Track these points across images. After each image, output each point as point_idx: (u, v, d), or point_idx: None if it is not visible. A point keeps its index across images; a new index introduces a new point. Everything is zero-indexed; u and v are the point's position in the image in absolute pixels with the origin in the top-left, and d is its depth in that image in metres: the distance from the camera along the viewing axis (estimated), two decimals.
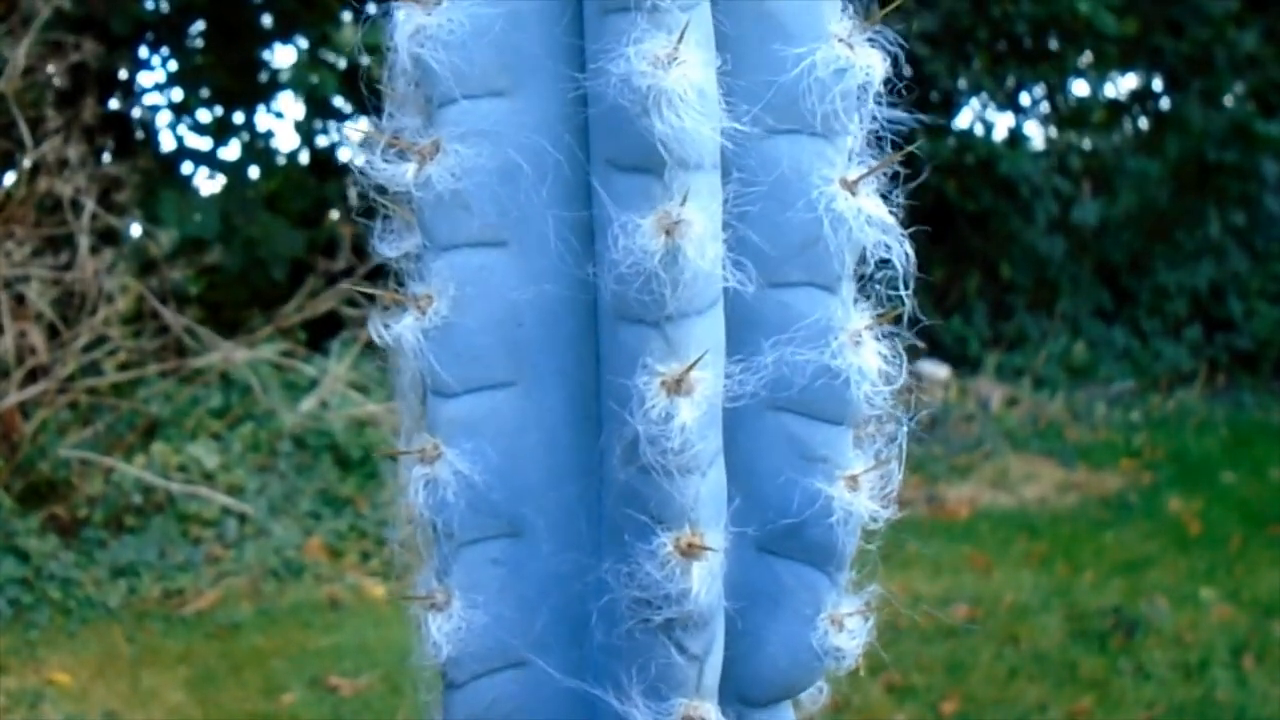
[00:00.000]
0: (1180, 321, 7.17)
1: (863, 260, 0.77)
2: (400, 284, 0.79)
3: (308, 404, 4.37)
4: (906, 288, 0.76)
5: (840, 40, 0.76)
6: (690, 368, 0.71)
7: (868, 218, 0.76)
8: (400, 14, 0.76)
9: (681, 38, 0.70)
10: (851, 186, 0.76)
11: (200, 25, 6.56)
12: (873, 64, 0.76)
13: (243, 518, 4.03)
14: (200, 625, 3.62)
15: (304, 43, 6.51)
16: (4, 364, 3.93)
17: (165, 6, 6.08)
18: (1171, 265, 7.29)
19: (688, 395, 0.71)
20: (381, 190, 0.78)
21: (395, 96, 0.78)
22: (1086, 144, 7.99)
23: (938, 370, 6.18)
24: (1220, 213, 7.31)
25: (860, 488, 0.77)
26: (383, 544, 4.09)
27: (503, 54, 0.75)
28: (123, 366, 4.27)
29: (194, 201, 5.57)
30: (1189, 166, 7.40)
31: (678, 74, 0.69)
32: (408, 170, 0.75)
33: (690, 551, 0.72)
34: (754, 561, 0.79)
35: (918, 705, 3.01)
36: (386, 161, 0.76)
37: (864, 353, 0.76)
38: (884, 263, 0.78)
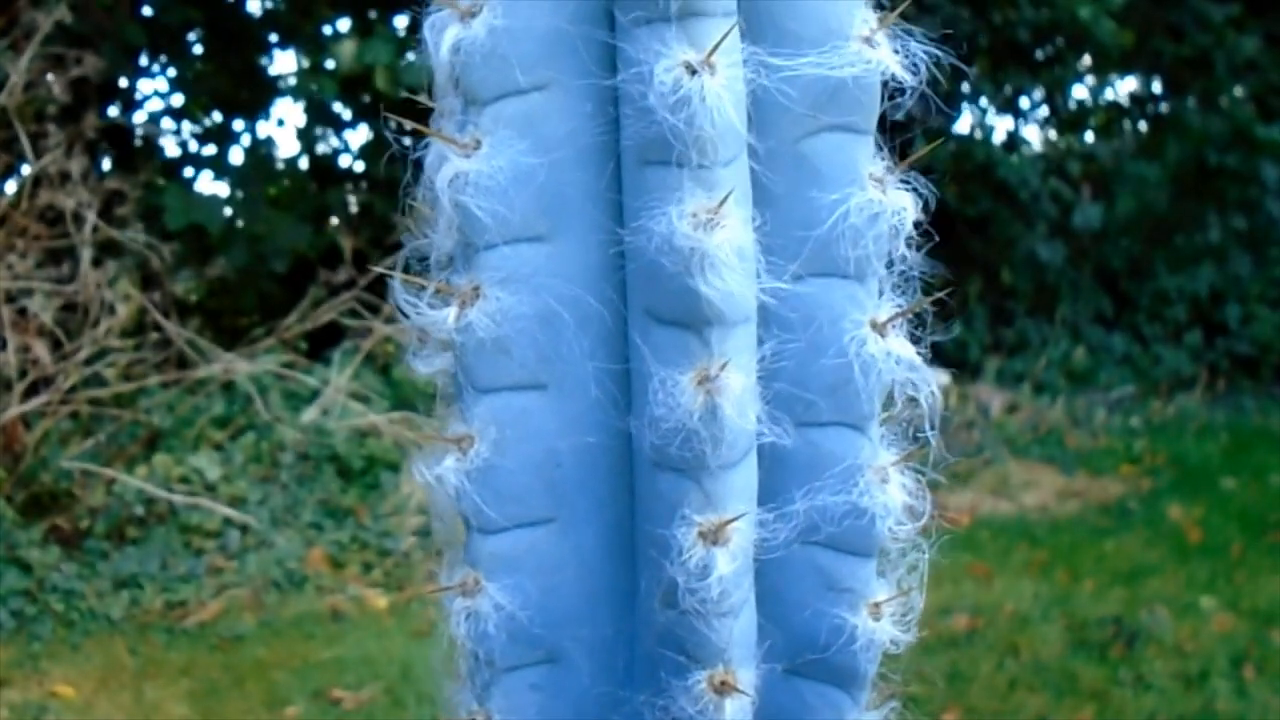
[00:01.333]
0: (1180, 327, 7.17)
1: (890, 399, 0.79)
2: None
3: (309, 415, 4.38)
4: (933, 427, 0.78)
5: (874, 182, 0.77)
6: (728, 522, 0.73)
7: (896, 359, 0.78)
8: (433, 152, 0.77)
9: (724, 201, 0.71)
10: (882, 328, 0.78)
11: (201, 31, 6.58)
12: (905, 206, 0.77)
13: (245, 529, 4.04)
14: (203, 637, 3.63)
15: (303, 49, 6.53)
16: (6, 376, 3.94)
17: (165, 16, 6.09)
18: (1171, 270, 7.29)
19: (724, 546, 0.73)
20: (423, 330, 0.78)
21: (436, 231, 0.78)
22: (1086, 147, 7.99)
23: (938, 376, 6.18)
24: (1220, 217, 7.32)
25: (883, 615, 0.81)
26: (384, 555, 4.09)
27: (543, 202, 0.76)
28: (125, 378, 4.28)
29: (197, 197, 5.59)
30: (1189, 171, 7.40)
31: (720, 237, 0.70)
32: (449, 315, 0.77)
33: (724, 689, 0.75)
34: (780, 683, 0.82)
35: (918, 717, 3.01)
36: (430, 306, 0.77)
37: (890, 489, 0.79)
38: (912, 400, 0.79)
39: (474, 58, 0.75)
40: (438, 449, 0.78)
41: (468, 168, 0.75)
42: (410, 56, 5.62)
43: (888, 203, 0.77)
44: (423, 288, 0.78)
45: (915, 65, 0.79)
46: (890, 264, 0.78)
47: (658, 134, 0.71)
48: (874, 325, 0.78)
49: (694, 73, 0.70)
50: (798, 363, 0.77)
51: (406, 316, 0.78)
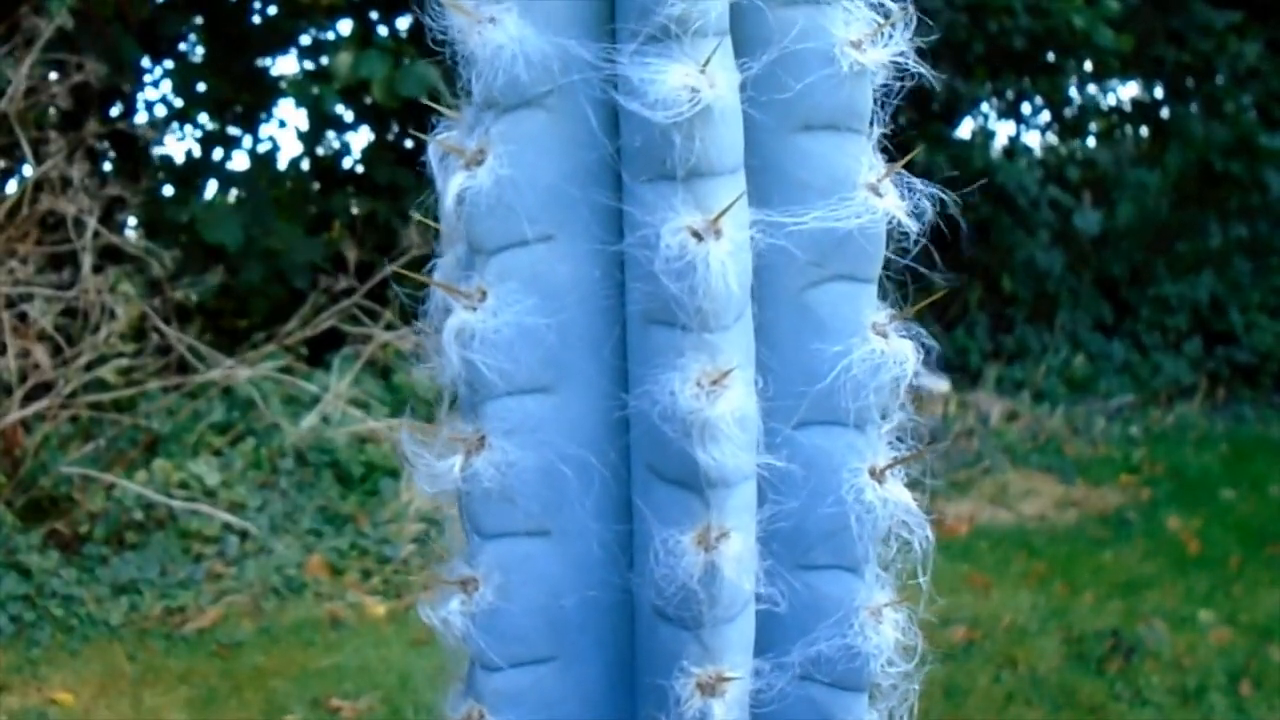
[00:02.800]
0: (1180, 335, 7.17)
1: (886, 541, 0.80)
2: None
3: (309, 421, 4.38)
4: (925, 571, 0.79)
5: (877, 333, 0.78)
6: (724, 678, 0.75)
7: (893, 505, 0.78)
8: (437, 299, 0.77)
9: (727, 374, 0.71)
10: (880, 476, 0.79)
11: (201, 35, 6.58)
12: (907, 356, 0.78)
13: (244, 535, 4.04)
14: (201, 644, 3.63)
15: (303, 51, 6.53)
16: (6, 381, 3.94)
17: (165, 23, 6.09)
18: (1172, 278, 7.30)
19: (721, 697, 0.74)
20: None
21: (442, 374, 0.78)
22: (1087, 153, 7.99)
23: (938, 384, 6.19)
24: (1221, 225, 7.32)
25: None
26: (383, 562, 4.10)
27: (549, 355, 0.77)
28: (125, 381, 4.28)
29: (217, 210, 5.59)
30: (1190, 178, 7.41)
31: (723, 407, 0.71)
32: (455, 464, 0.77)
33: None
34: None
35: None
36: (438, 457, 0.77)
37: (884, 629, 0.80)
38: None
39: (479, 207, 0.75)
40: (444, 591, 0.79)
41: (473, 322, 0.75)
42: (407, 63, 5.64)
43: (890, 352, 0.78)
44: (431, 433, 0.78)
45: (920, 209, 0.79)
46: (886, 414, 0.79)
47: (663, 298, 0.71)
48: (872, 473, 0.79)
49: (699, 238, 0.70)
50: (798, 512, 0.78)
51: (413, 465, 0.78)
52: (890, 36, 0.79)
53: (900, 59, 0.79)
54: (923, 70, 0.81)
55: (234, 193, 6.30)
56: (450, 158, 0.77)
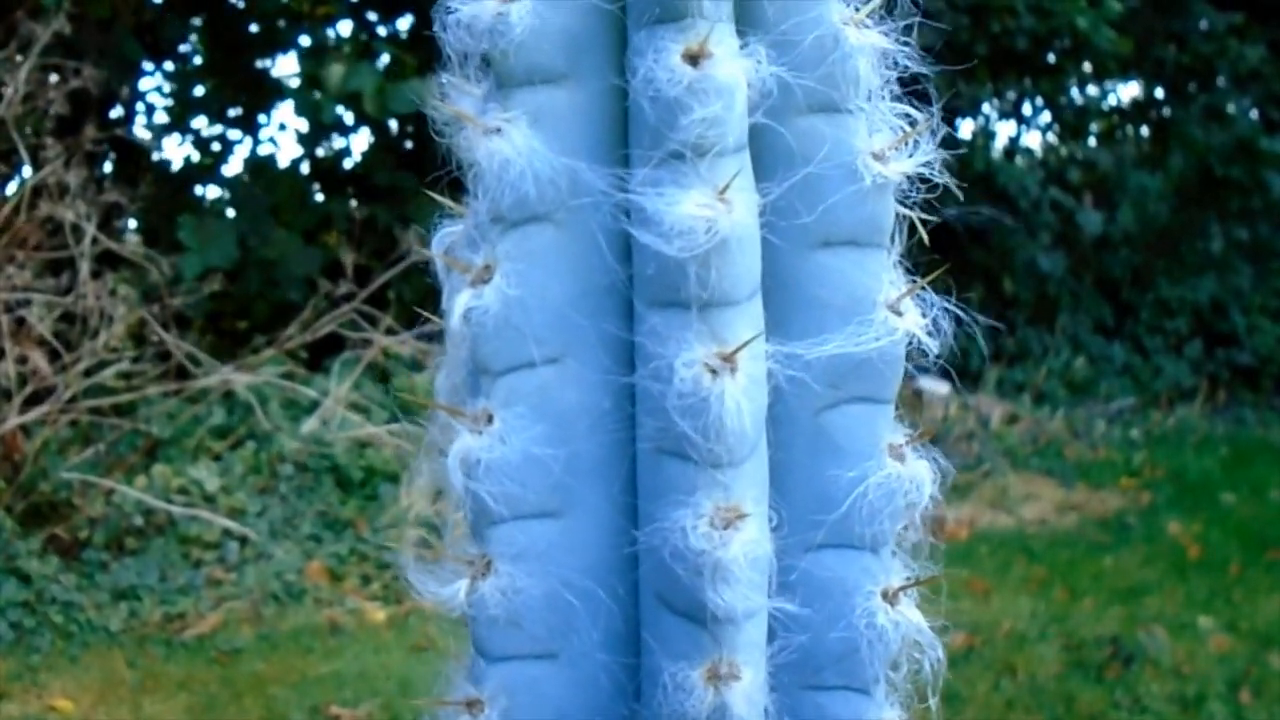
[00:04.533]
0: (1181, 337, 7.17)
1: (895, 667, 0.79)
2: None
3: (308, 426, 4.38)
4: (934, 694, 0.78)
5: (893, 455, 0.76)
6: None
7: (905, 627, 0.78)
8: (440, 422, 0.75)
9: (740, 514, 0.70)
10: (893, 598, 0.78)
11: (200, 39, 6.58)
12: (923, 478, 0.77)
13: (244, 540, 4.04)
14: (201, 650, 3.63)
15: (302, 54, 6.53)
16: (5, 387, 3.94)
17: (164, 26, 6.08)
18: (1173, 280, 7.29)
19: None
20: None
21: (448, 502, 0.77)
22: (1088, 154, 7.99)
23: (938, 387, 6.19)
24: (1222, 228, 7.32)
25: None
26: (383, 568, 4.10)
27: (557, 487, 0.75)
28: (124, 382, 4.28)
29: (211, 227, 5.59)
30: (1191, 182, 7.40)
31: (735, 549, 0.69)
32: (461, 589, 0.76)
33: None
34: None
35: None
36: (441, 583, 0.76)
37: None
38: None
39: (486, 328, 0.73)
40: (449, 712, 0.78)
41: (479, 449, 0.73)
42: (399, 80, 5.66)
43: (905, 475, 0.76)
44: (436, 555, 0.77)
45: (938, 328, 0.77)
46: (901, 535, 0.77)
47: (675, 434, 0.69)
48: (885, 595, 0.77)
49: (714, 374, 0.68)
50: (809, 638, 0.77)
51: (419, 593, 0.77)
52: (916, 145, 0.77)
53: (926, 169, 0.77)
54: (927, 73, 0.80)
55: (229, 202, 6.29)
56: (456, 272, 0.75)
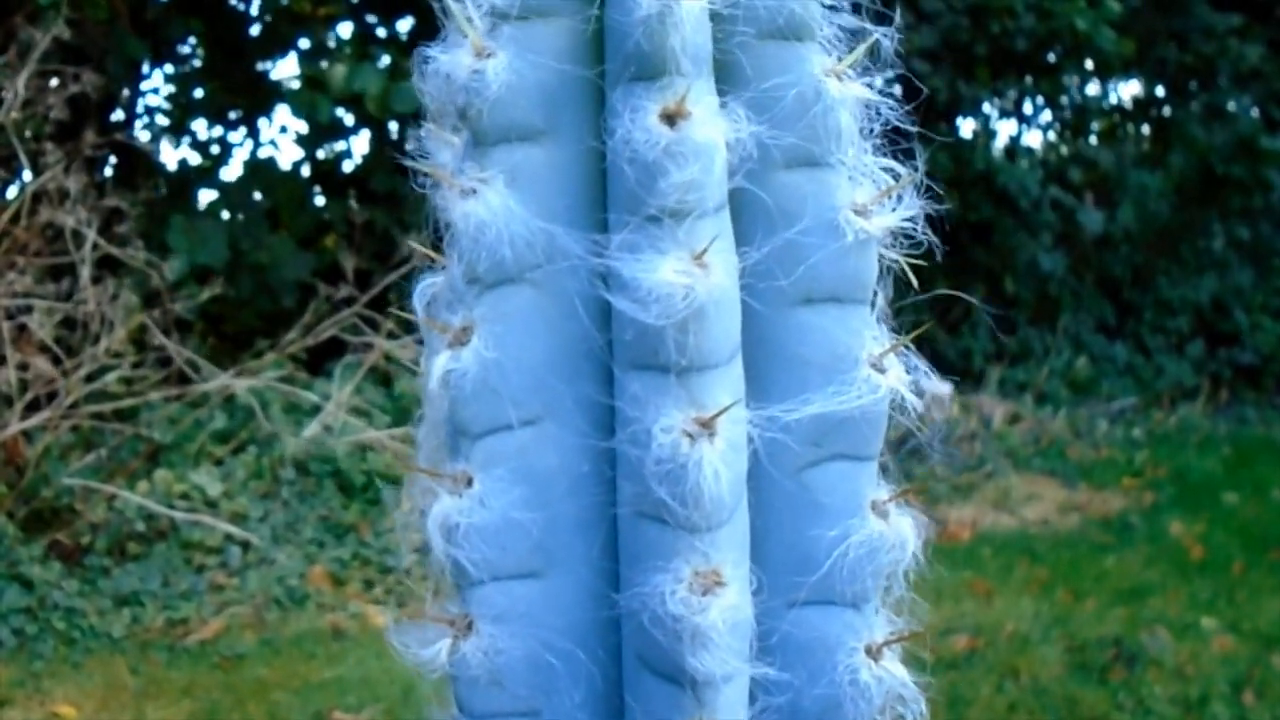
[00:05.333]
0: (1183, 337, 7.16)
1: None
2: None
3: (310, 430, 4.38)
4: None
5: (876, 512, 0.75)
6: None
7: (889, 681, 0.76)
8: (420, 483, 0.75)
9: (719, 578, 0.69)
10: (876, 654, 0.76)
11: (200, 41, 6.58)
12: (906, 536, 0.75)
13: (246, 545, 4.04)
14: (204, 656, 3.63)
15: (302, 55, 6.53)
16: (7, 393, 3.94)
17: (165, 28, 6.09)
18: (1174, 279, 7.29)
19: None
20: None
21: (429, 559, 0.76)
22: (1089, 152, 7.98)
23: (940, 387, 6.18)
24: (1224, 227, 7.31)
25: None
26: (385, 572, 4.10)
27: (537, 548, 0.74)
28: (125, 385, 4.28)
29: (202, 229, 5.60)
30: (1192, 181, 7.40)
31: (714, 614, 0.69)
32: (442, 649, 0.75)
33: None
34: None
35: None
36: (422, 644, 0.76)
37: None
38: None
39: (464, 390, 0.72)
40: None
41: (458, 512, 0.73)
42: (403, 80, 5.65)
43: (889, 533, 0.75)
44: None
45: (919, 386, 0.76)
46: (885, 591, 0.77)
47: (653, 499, 0.68)
48: (869, 651, 0.76)
49: (692, 439, 0.67)
50: (792, 696, 0.76)
51: (402, 655, 0.76)
52: (899, 200, 0.75)
53: (909, 224, 0.75)
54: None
55: (226, 204, 6.29)
56: (434, 332, 0.74)
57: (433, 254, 0.77)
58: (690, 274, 0.67)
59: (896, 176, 0.76)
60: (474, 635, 0.75)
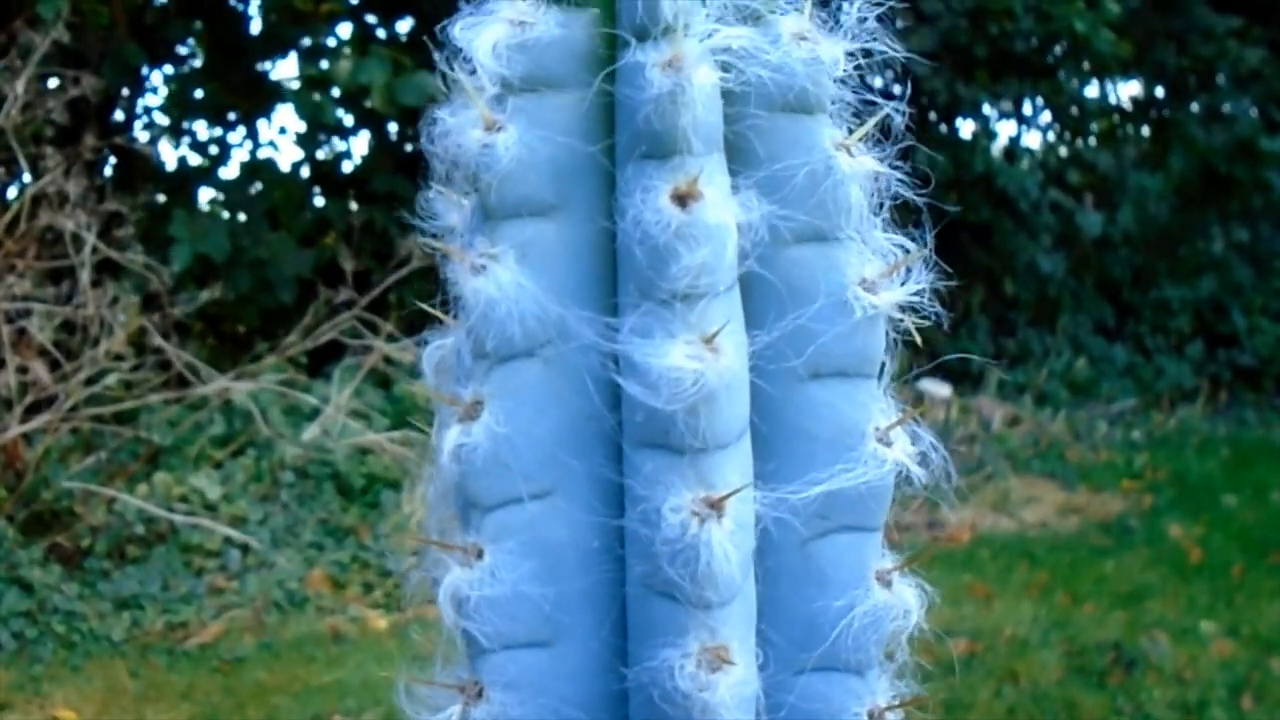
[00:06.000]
0: (1183, 338, 7.17)
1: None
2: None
3: (310, 433, 4.38)
4: None
5: (880, 581, 0.75)
6: None
7: None
8: (431, 555, 0.75)
9: (727, 655, 0.70)
10: (879, 716, 0.77)
11: (200, 42, 6.58)
12: (910, 606, 0.76)
13: (245, 548, 4.04)
14: (203, 659, 3.63)
15: (303, 56, 6.53)
16: (6, 397, 3.94)
17: (165, 29, 6.09)
18: (1174, 281, 7.29)
19: None
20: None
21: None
22: (1088, 154, 7.99)
23: (939, 389, 6.19)
24: (1223, 228, 7.32)
25: None
26: (385, 575, 4.10)
27: (547, 620, 0.75)
28: (125, 389, 4.28)
29: (204, 223, 5.60)
30: (1191, 182, 7.40)
31: (722, 691, 0.69)
32: (453, 714, 0.76)
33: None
34: None
35: None
36: (432, 710, 0.76)
37: None
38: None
39: (475, 465, 0.73)
40: None
41: (468, 585, 0.73)
42: (408, 72, 5.65)
43: (893, 602, 0.75)
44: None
45: (927, 457, 0.76)
46: (889, 657, 0.77)
47: (663, 576, 0.69)
48: (872, 715, 0.77)
49: (701, 520, 0.68)
50: None
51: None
52: (908, 274, 0.75)
53: (917, 299, 0.75)
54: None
55: (226, 204, 6.30)
56: (445, 407, 0.74)
57: (440, 315, 0.77)
58: (701, 358, 0.67)
59: (906, 250, 0.76)
60: (484, 702, 0.75)
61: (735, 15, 0.72)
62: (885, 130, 0.76)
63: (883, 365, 0.76)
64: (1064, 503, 5.17)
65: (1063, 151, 8.00)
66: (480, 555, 0.73)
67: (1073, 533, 4.79)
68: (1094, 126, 8.15)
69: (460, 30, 0.73)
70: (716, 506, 0.68)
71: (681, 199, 0.67)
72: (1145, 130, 8.22)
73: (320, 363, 4.94)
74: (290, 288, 5.47)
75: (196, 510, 4.08)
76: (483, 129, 0.71)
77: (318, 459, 4.34)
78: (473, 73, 0.72)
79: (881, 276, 0.75)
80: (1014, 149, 7.76)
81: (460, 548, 0.74)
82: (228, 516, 4.11)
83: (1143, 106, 8.17)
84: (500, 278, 0.71)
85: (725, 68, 0.70)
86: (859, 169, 0.74)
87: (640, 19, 0.69)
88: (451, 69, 0.72)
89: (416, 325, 0.79)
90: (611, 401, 0.73)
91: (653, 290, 0.68)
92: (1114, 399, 6.68)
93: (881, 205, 0.76)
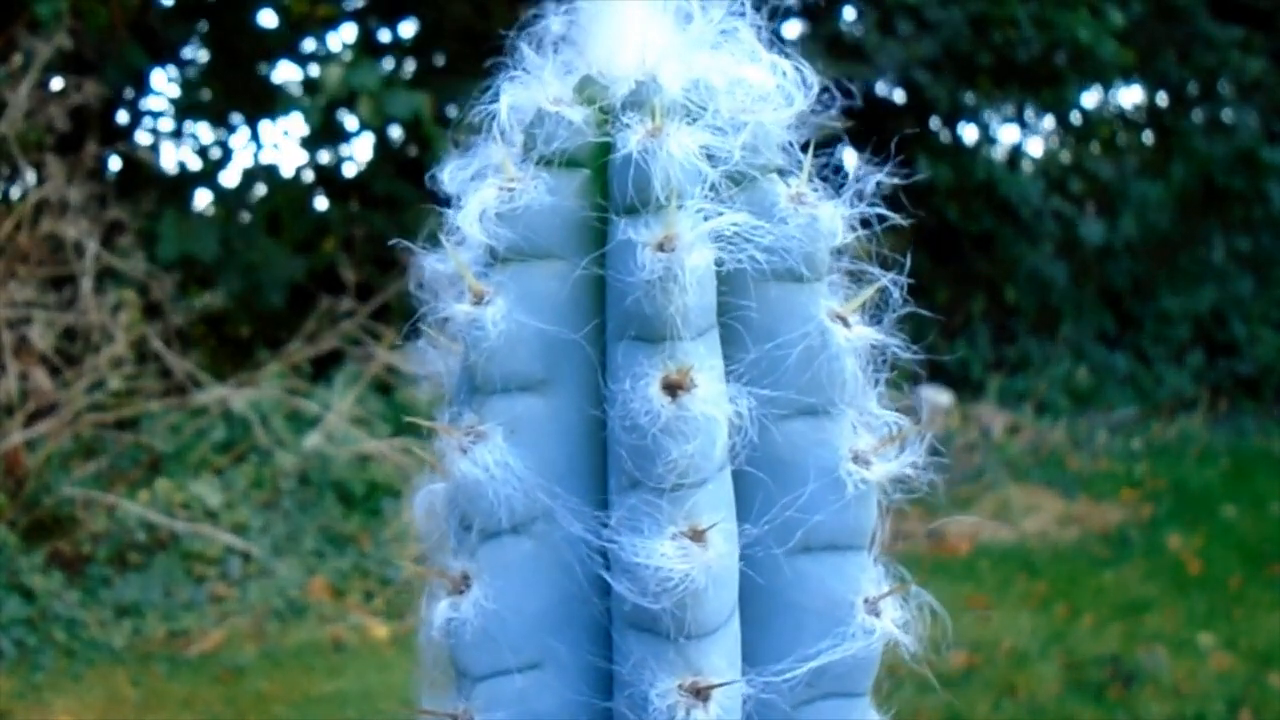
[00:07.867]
0: (1183, 347, 7.17)
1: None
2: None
3: (311, 441, 4.39)
4: None
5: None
6: None
7: None
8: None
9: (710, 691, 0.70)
10: None
11: (202, 45, 6.59)
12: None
13: (246, 556, 4.05)
14: (205, 668, 3.64)
15: (304, 58, 6.54)
16: (7, 403, 3.95)
17: (167, 30, 6.10)
18: (1174, 290, 7.30)
19: None
20: None
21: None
22: (1090, 162, 7.99)
23: (940, 396, 6.19)
24: (1224, 238, 7.32)
25: None
26: (385, 583, 4.11)
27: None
28: (126, 395, 4.29)
29: (194, 224, 5.61)
30: (1193, 192, 7.41)
31: None
32: None
33: None
34: None
35: None
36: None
37: None
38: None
39: (464, 638, 0.73)
40: None
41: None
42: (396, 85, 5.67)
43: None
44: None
45: (909, 622, 0.75)
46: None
47: None
48: None
49: (689, 708, 0.68)
50: None
51: None
52: (902, 449, 0.73)
53: (911, 471, 0.73)
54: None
55: (221, 207, 6.31)
56: (434, 579, 0.74)
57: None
58: (688, 555, 0.66)
59: (900, 426, 0.74)
60: None
61: (729, 182, 0.70)
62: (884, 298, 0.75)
63: (874, 534, 0.74)
64: (1064, 512, 5.18)
65: (1065, 159, 8.01)
66: (469, 716, 0.74)
67: (1072, 543, 4.80)
68: (1096, 135, 8.16)
69: (448, 177, 0.72)
70: (702, 695, 0.68)
71: (672, 389, 0.66)
72: (1147, 139, 8.23)
73: (322, 368, 4.95)
74: (281, 291, 5.48)
75: (197, 517, 4.08)
76: (470, 303, 0.70)
77: (318, 467, 4.35)
78: (460, 243, 0.71)
79: (874, 450, 0.73)
80: (1016, 156, 7.77)
81: (451, 715, 0.74)
82: (229, 524, 4.11)
83: (1145, 116, 8.18)
84: (486, 459, 0.70)
85: (720, 248, 0.68)
86: (855, 340, 0.72)
87: (631, 198, 0.68)
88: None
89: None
90: (600, 587, 0.72)
91: (642, 481, 0.68)
92: (1114, 407, 6.69)
93: (878, 379, 0.74)
